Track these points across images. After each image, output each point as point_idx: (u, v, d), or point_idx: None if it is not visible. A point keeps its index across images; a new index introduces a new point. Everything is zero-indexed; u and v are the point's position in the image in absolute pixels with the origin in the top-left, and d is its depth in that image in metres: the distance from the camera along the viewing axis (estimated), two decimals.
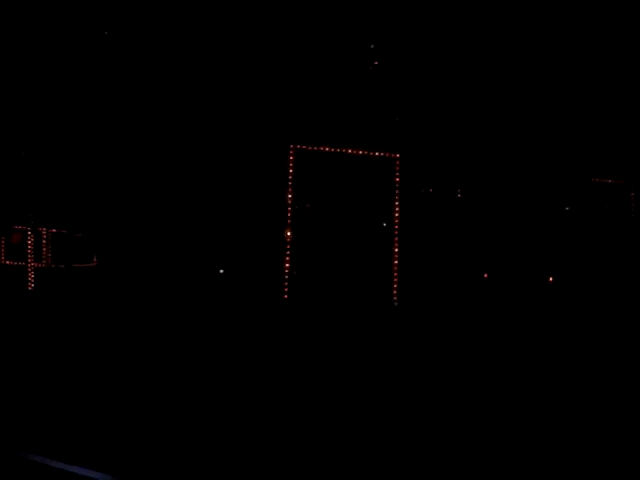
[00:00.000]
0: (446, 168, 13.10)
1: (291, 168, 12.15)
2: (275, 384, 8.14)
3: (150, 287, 13.12)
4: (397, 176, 12.21)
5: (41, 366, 8.67)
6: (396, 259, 11.98)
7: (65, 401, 7.13)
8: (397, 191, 12.17)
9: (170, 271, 13.25)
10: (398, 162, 12.21)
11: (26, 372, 8.34)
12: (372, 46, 13.09)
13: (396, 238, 12.07)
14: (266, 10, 13.00)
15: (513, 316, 11.37)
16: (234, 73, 13.32)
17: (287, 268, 11.94)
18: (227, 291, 12.81)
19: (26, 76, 13.80)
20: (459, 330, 10.64)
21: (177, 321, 11.65)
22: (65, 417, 6.55)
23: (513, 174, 12.97)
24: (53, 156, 14.19)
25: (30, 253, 14.08)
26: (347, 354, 9.63)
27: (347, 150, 12.22)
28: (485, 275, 12.66)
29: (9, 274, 14.23)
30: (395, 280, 11.91)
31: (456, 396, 7.60)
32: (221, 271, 13.22)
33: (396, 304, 11.79)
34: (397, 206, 12.13)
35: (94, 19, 13.54)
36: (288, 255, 11.98)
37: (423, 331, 10.58)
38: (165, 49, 13.58)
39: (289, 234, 12.06)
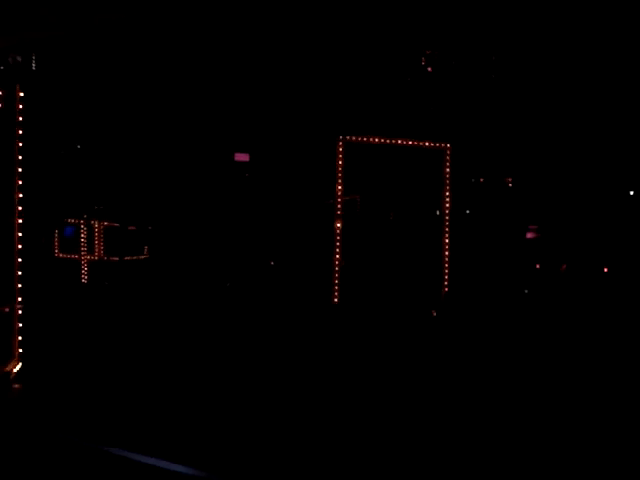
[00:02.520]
0: (497, 157, 13.00)
1: (340, 160, 12.11)
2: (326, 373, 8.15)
3: (200, 278, 13.24)
4: (447, 166, 12.11)
5: (98, 358, 8.78)
6: (447, 249, 11.89)
7: (126, 391, 7.23)
8: (447, 181, 12.07)
9: (220, 262, 13.35)
10: (449, 152, 12.10)
11: (83, 364, 8.44)
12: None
13: (447, 228, 11.98)
14: (314, 6, 13.04)
15: (570, 306, 11.22)
16: (283, 67, 13.39)
17: (337, 260, 11.92)
18: (277, 283, 12.86)
19: (86, 73, 14.07)
20: (514, 318, 10.56)
21: (226, 312, 11.74)
22: (130, 408, 6.64)
23: (564, 163, 12.82)
24: (106, 151, 14.42)
25: (83, 246, 14.34)
26: (397, 340, 9.63)
27: (396, 141, 12.14)
28: (537, 265, 12.54)
29: (63, 267, 14.49)
30: (446, 269, 11.83)
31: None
32: (272, 263, 13.30)
33: (446, 291, 11.72)
34: (448, 196, 12.05)
35: None
36: (338, 247, 11.95)
37: (474, 321, 10.52)
38: (218, 45, 13.71)
39: (339, 225, 12.03)
